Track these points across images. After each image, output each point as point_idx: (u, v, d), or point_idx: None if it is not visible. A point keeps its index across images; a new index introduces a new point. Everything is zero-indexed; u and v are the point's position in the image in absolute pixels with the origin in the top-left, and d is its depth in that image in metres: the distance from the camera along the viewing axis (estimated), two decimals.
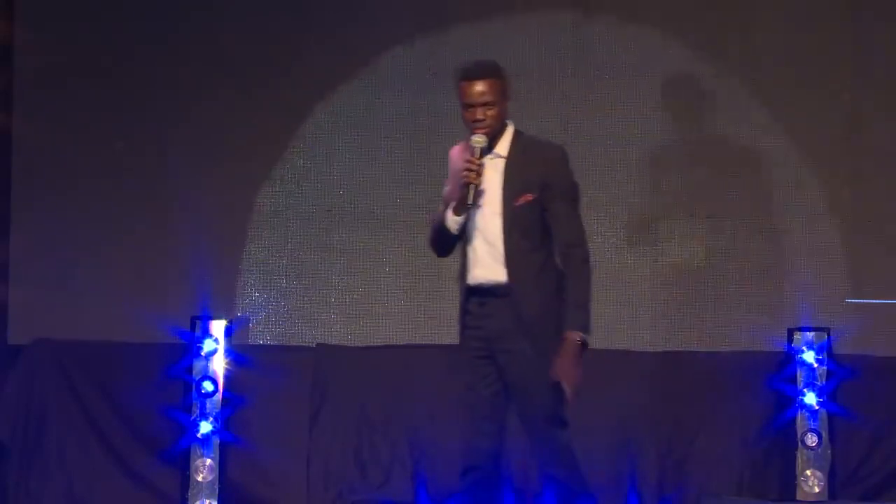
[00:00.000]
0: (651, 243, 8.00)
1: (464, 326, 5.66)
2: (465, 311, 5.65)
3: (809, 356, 7.67)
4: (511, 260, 5.54)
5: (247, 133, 8.01)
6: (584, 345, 5.46)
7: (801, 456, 7.65)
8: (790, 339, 7.73)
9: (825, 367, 7.67)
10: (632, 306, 7.95)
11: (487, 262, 5.58)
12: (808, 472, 7.63)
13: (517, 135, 5.67)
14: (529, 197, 5.55)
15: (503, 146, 5.63)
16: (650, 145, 8.03)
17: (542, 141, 5.73)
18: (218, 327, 7.67)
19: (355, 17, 8.04)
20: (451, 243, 5.69)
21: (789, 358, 7.73)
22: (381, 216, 8.00)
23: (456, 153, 5.73)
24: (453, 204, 5.58)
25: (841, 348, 7.73)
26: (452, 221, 5.60)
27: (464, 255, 5.67)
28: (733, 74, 8.02)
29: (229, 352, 7.69)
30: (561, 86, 8.03)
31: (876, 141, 8.00)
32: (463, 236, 5.64)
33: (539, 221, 5.58)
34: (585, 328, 5.48)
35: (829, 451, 7.65)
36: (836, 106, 8.01)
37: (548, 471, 5.61)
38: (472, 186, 5.50)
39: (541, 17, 8.04)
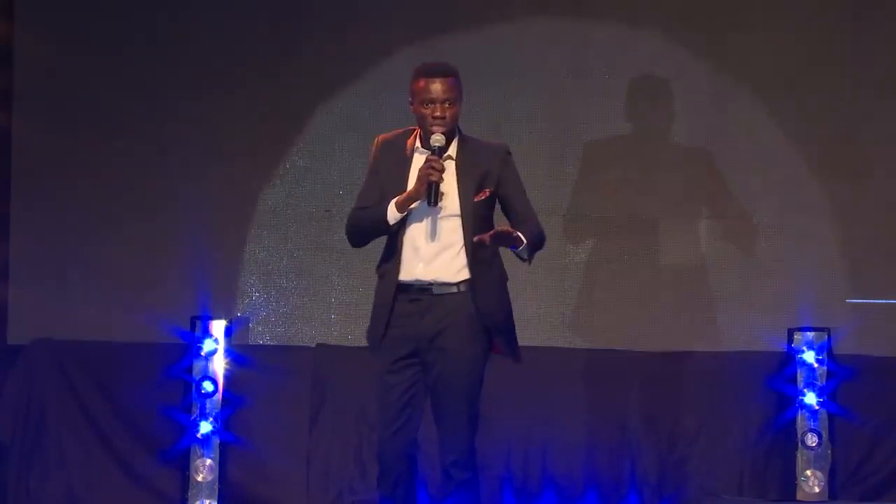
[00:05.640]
0: (651, 243, 8.00)
1: (387, 326, 5.64)
2: (389, 310, 5.64)
3: (809, 356, 7.67)
4: (472, 258, 5.59)
5: (247, 133, 8.01)
6: (514, 241, 5.54)
7: (801, 456, 7.65)
8: (790, 339, 7.73)
9: (825, 367, 7.67)
10: (632, 306, 7.95)
11: (436, 262, 5.59)
12: (809, 472, 7.64)
13: (463, 137, 5.72)
14: (487, 192, 5.63)
15: (452, 149, 5.67)
16: (650, 145, 8.03)
17: (486, 140, 5.82)
18: (218, 327, 7.67)
19: (356, 19, 8.04)
20: (378, 237, 5.72)
21: (789, 358, 7.73)
22: None
23: (387, 143, 5.74)
24: (397, 199, 5.59)
25: (841, 348, 7.74)
26: (393, 217, 5.61)
27: (392, 252, 5.67)
28: (733, 74, 8.02)
29: (229, 352, 7.68)
30: (560, 87, 8.03)
31: (876, 141, 8.01)
32: (395, 232, 5.65)
33: (492, 219, 5.67)
34: (522, 243, 5.54)
35: (829, 451, 7.66)
36: (836, 106, 8.01)
37: (454, 472, 5.60)
38: (434, 185, 5.52)
39: (540, 19, 8.05)
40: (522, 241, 5.54)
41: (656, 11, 8.04)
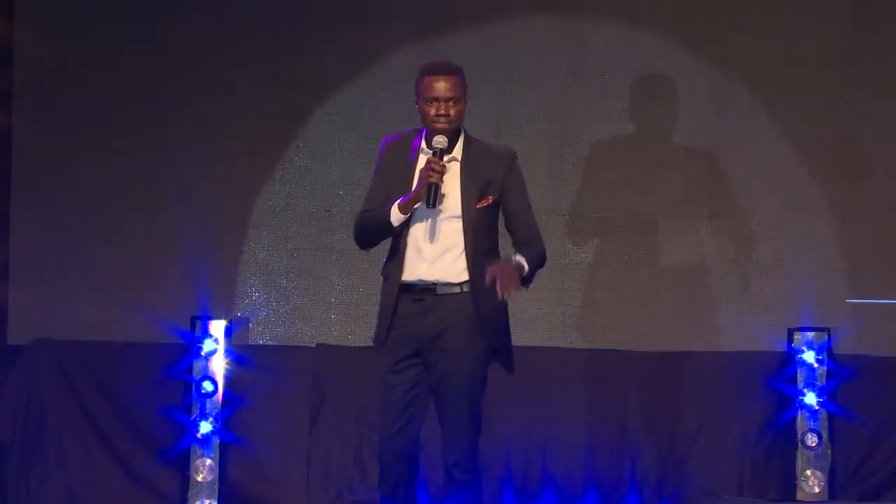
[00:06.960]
0: (651, 243, 8.00)
1: (390, 326, 5.64)
2: (392, 311, 5.64)
3: (809, 356, 7.67)
4: (472, 261, 5.57)
5: (247, 133, 8.01)
6: (520, 276, 5.50)
7: (801, 456, 7.65)
8: (790, 339, 7.73)
9: (825, 367, 7.67)
10: (632, 306, 7.95)
11: (439, 262, 5.59)
12: (808, 472, 7.64)
13: (469, 138, 5.71)
14: (490, 199, 5.62)
15: (457, 150, 5.67)
16: (650, 145, 8.03)
17: (493, 143, 5.81)
18: (218, 327, 7.67)
19: (355, 18, 8.04)
20: (384, 238, 5.72)
21: (789, 358, 7.73)
22: None
23: (392, 145, 5.74)
24: (400, 200, 5.58)
25: (841, 348, 7.74)
26: (397, 218, 5.61)
27: (395, 253, 5.67)
28: (733, 74, 8.02)
29: (229, 352, 7.69)
30: (560, 87, 8.03)
31: (876, 141, 8.01)
32: (398, 233, 5.65)
33: (495, 223, 5.67)
34: (525, 268, 5.51)
35: (829, 451, 7.66)
36: (836, 106, 8.01)
37: (456, 472, 5.60)
38: (433, 187, 5.52)
39: (539, 18, 8.05)
40: (524, 267, 5.52)
41: (656, 11, 8.04)
